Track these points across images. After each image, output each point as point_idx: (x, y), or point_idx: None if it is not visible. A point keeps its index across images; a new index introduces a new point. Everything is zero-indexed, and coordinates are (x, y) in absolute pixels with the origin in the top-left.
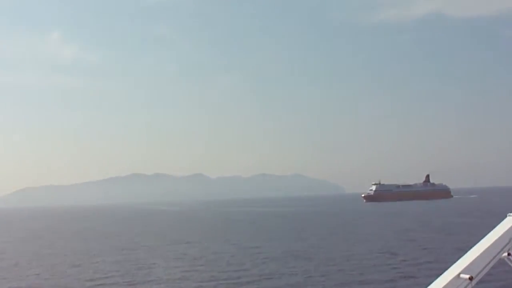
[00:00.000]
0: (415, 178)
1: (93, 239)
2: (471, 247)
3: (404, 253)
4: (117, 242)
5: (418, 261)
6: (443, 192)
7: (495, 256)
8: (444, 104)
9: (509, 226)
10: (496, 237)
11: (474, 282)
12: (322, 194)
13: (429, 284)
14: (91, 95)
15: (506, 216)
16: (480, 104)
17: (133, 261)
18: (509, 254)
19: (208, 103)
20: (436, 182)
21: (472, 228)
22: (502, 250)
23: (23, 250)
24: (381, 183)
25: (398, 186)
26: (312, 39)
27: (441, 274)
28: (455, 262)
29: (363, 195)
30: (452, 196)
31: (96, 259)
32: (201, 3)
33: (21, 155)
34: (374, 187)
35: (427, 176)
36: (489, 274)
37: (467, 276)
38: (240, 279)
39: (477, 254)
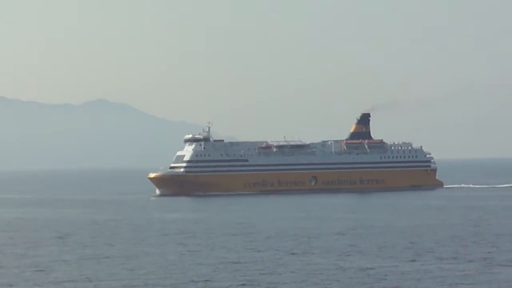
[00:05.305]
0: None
1: None
2: None
3: None
4: None
5: None
6: (418, 172)
7: None
8: None
9: None
10: None
11: None
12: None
13: None
14: None
15: None
16: None
17: None
18: None
19: None
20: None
21: None
22: None
23: None
24: (212, 137)
25: (267, 148)
26: None
27: None
28: None
29: (152, 175)
30: (442, 185)
31: None
32: None
33: None
34: (190, 151)
35: (364, 118)
36: None
37: None
38: None
39: None
